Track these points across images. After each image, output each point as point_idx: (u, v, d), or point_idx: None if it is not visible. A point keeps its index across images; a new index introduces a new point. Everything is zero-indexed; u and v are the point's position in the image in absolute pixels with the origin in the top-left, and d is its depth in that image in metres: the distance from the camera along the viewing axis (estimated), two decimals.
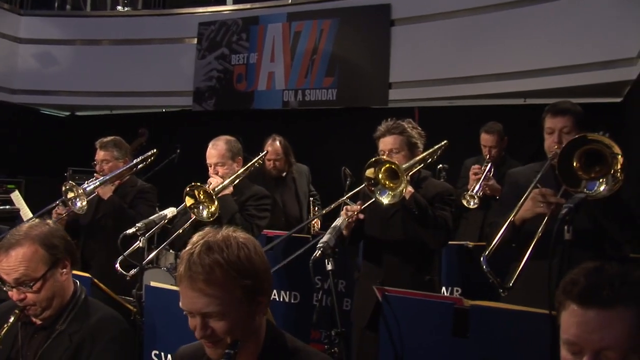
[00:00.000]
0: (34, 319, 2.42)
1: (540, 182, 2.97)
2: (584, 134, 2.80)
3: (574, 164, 2.73)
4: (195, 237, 1.77)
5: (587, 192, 2.69)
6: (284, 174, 5.76)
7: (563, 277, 2.51)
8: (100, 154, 4.69)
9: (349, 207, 3.39)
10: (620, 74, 6.28)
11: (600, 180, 2.69)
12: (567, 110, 3.19)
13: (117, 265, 3.36)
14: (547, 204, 2.83)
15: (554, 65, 6.77)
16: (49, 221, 2.56)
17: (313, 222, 5.74)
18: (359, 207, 3.40)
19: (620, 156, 2.61)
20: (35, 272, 2.33)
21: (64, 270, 2.45)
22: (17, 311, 2.37)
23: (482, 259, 2.71)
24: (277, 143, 5.72)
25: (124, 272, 3.33)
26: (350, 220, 3.35)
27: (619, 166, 2.62)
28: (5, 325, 2.35)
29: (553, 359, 2.36)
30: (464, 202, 5.03)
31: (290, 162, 5.81)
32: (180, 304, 1.74)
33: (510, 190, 3.28)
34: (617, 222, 2.99)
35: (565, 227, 2.47)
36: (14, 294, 2.35)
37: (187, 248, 1.74)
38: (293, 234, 3.96)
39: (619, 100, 6.86)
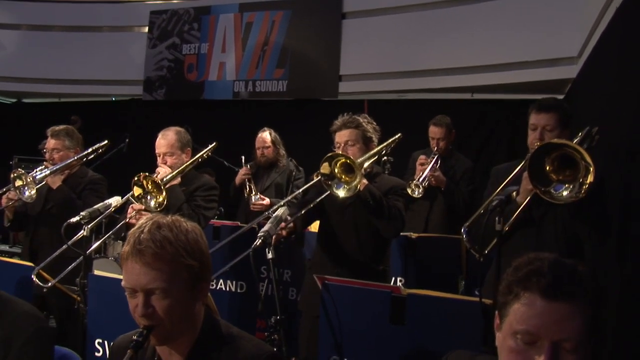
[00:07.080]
0: None
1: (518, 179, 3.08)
2: (549, 142, 2.91)
3: (547, 167, 2.81)
4: (142, 220, 1.82)
5: (553, 192, 2.79)
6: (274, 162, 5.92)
7: (500, 266, 2.66)
8: (51, 143, 4.59)
9: (283, 224, 3.29)
10: (562, 72, 6.49)
11: (566, 185, 2.78)
12: (551, 108, 3.21)
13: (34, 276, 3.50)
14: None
15: (500, 62, 6.94)
16: None
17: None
18: (284, 224, 3.32)
19: (591, 169, 2.66)
20: None
21: None
22: None
23: (462, 229, 2.92)
24: (267, 133, 5.92)
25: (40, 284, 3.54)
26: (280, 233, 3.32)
27: (588, 179, 2.69)
28: None
29: (485, 344, 2.49)
30: (409, 191, 5.03)
31: (279, 153, 5.94)
32: (123, 282, 1.76)
33: (494, 188, 3.22)
34: (587, 224, 3.06)
35: (497, 218, 2.58)
36: None
37: (134, 229, 1.78)
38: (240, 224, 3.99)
39: (561, 97, 7.05)
